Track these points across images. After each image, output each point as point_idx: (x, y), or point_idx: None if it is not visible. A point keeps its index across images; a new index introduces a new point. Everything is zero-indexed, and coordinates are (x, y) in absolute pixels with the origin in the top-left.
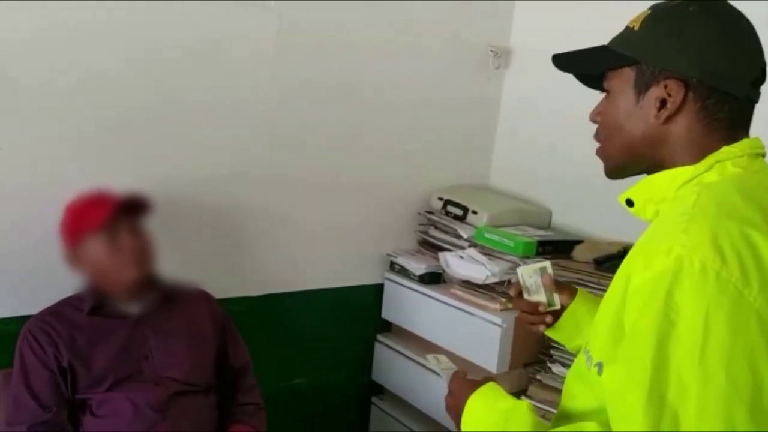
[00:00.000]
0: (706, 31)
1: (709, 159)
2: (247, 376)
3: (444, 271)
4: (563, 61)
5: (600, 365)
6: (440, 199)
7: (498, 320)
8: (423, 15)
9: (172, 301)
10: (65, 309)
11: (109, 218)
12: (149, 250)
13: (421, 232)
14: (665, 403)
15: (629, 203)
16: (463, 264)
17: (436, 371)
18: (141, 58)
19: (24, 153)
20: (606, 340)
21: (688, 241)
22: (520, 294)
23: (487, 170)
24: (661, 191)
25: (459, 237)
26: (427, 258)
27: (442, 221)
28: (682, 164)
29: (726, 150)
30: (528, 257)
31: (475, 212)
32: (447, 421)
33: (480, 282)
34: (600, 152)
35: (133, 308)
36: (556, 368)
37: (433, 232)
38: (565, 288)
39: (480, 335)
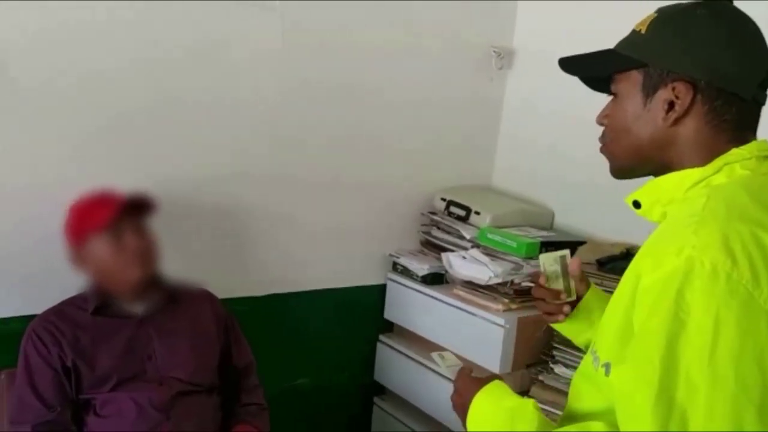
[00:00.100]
0: (714, 33)
1: (718, 161)
2: (250, 376)
3: (447, 271)
4: (570, 65)
5: (607, 366)
6: (443, 199)
7: (501, 321)
8: (426, 16)
9: (176, 301)
10: (69, 309)
11: (114, 218)
12: (153, 250)
13: (423, 232)
14: (674, 403)
15: (636, 204)
16: (466, 265)
17: (441, 370)
18: (143, 58)
19: (27, 153)
20: (614, 341)
21: (698, 242)
22: (540, 284)
23: (489, 171)
24: (669, 193)
25: (462, 238)
26: (430, 258)
27: (444, 222)
28: (690, 166)
29: (735, 152)
30: (531, 258)
31: (477, 213)
32: (449, 421)
33: (483, 283)
34: (606, 152)
35: (137, 308)
36: (559, 369)
37: (435, 232)
38: (582, 279)
39: (482, 336)
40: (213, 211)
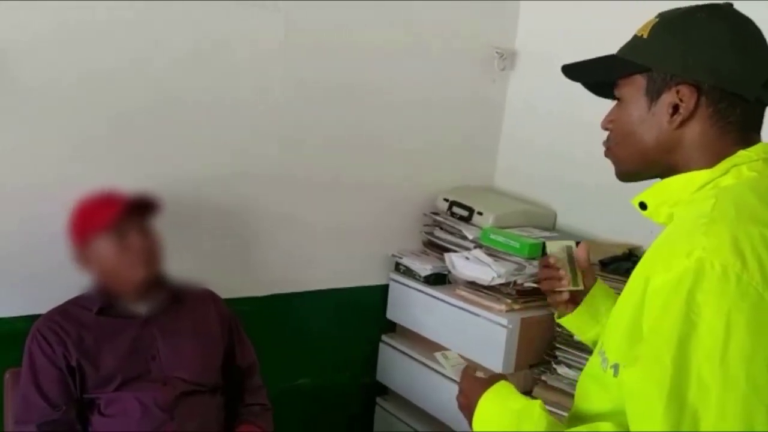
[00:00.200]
0: (716, 35)
1: (725, 163)
2: (253, 376)
3: (449, 272)
4: (573, 71)
5: (616, 366)
6: (446, 200)
7: (503, 321)
8: (430, 17)
9: (179, 301)
10: (74, 309)
11: (118, 218)
12: (157, 250)
13: (426, 233)
14: (686, 404)
15: (642, 206)
16: (468, 265)
17: (445, 370)
18: (145, 58)
19: (29, 153)
20: (622, 342)
21: (708, 244)
22: (548, 265)
23: (491, 171)
24: (676, 194)
25: (464, 238)
26: (433, 259)
27: (447, 222)
28: (696, 168)
29: (742, 154)
30: (534, 258)
31: (480, 213)
32: (451, 421)
33: (486, 283)
34: (611, 156)
35: (141, 308)
36: (561, 369)
37: (438, 233)
38: (589, 270)
39: (485, 336)
40: (216, 211)
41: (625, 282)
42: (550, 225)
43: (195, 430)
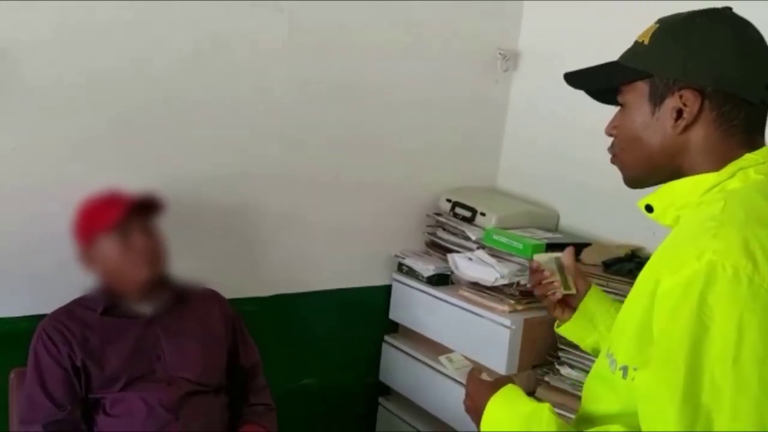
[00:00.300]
0: (717, 39)
1: (732, 166)
2: (257, 376)
3: (452, 272)
4: (575, 79)
5: (625, 369)
6: (448, 200)
7: (507, 322)
8: (433, 18)
9: (184, 301)
10: (78, 309)
11: (122, 218)
12: (161, 250)
13: (429, 233)
14: (699, 405)
15: (648, 209)
16: (471, 266)
17: (450, 373)
18: (148, 58)
19: (35, 152)
20: (632, 344)
21: (719, 246)
22: (534, 270)
23: (494, 172)
24: (683, 197)
25: (467, 239)
26: (435, 259)
27: (450, 223)
28: (703, 172)
29: (748, 157)
30: None
31: (483, 214)
32: (454, 421)
33: (489, 284)
34: (617, 162)
35: (146, 308)
36: (564, 370)
37: (441, 233)
38: (580, 273)
39: (488, 337)
40: (220, 211)
41: (627, 283)
42: (552, 226)
43: (199, 430)
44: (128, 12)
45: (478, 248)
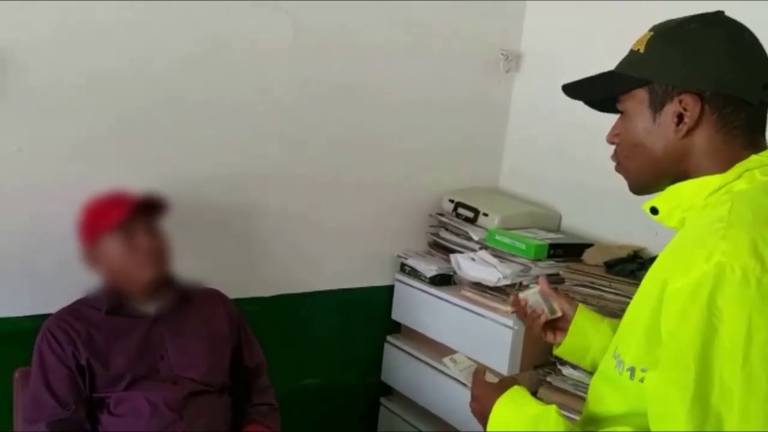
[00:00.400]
0: (712, 42)
1: (738, 168)
2: (261, 376)
3: (455, 272)
4: (573, 90)
5: (632, 369)
6: (451, 201)
7: (509, 322)
8: (437, 19)
9: (188, 301)
10: (83, 308)
11: (126, 218)
12: (165, 250)
13: (431, 233)
14: (709, 406)
15: (653, 211)
16: (474, 266)
17: (454, 374)
18: (153, 58)
19: (36, 153)
20: (640, 345)
21: (727, 247)
22: (516, 303)
23: (496, 173)
24: (689, 199)
25: (470, 239)
26: (438, 260)
27: (452, 223)
28: (708, 174)
29: (754, 159)
30: (540, 260)
31: (486, 214)
32: (455, 421)
33: (492, 284)
34: (622, 170)
35: (150, 308)
36: (566, 370)
37: (443, 233)
38: (563, 295)
39: (491, 337)
40: (221, 211)
41: (629, 283)
42: (555, 226)
43: (203, 430)
44: (129, 12)
45: (480, 248)
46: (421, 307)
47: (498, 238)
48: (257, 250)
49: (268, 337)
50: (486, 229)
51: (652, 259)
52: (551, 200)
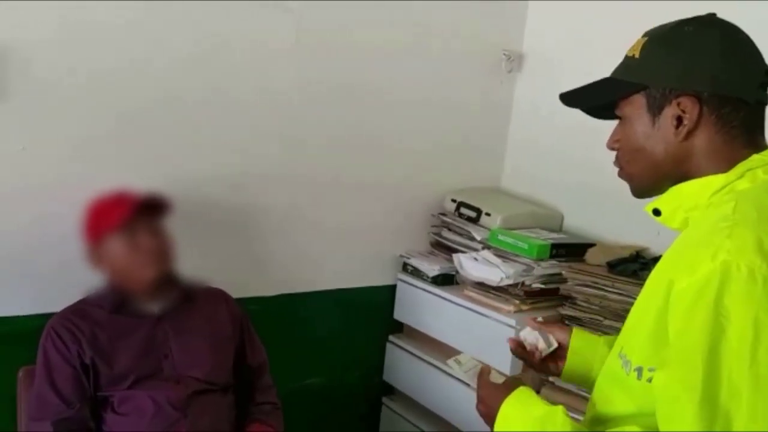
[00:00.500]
0: (707, 44)
1: (740, 167)
2: (264, 375)
3: (457, 272)
4: (571, 98)
5: (639, 369)
6: (453, 200)
7: (512, 322)
8: (440, 19)
9: (191, 300)
10: (87, 307)
11: (129, 218)
12: (168, 249)
13: (434, 233)
14: (718, 405)
15: (656, 212)
16: (477, 266)
17: (459, 375)
18: (153, 58)
19: (36, 153)
20: (646, 345)
21: (733, 246)
22: (514, 345)
23: (498, 173)
24: (692, 199)
25: (472, 239)
26: (440, 259)
27: (455, 223)
28: (709, 174)
29: (756, 158)
30: (542, 260)
31: (488, 214)
32: (458, 421)
33: (494, 284)
34: (624, 175)
35: (154, 307)
36: None
37: (446, 233)
38: (554, 325)
39: (493, 337)
40: (222, 211)
41: (631, 283)
42: (557, 226)
43: (207, 429)
44: (130, 12)
45: (483, 248)
46: (423, 307)
47: (501, 237)
48: (259, 250)
49: (270, 337)
50: (488, 229)
51: (655, 259)
52: (553, 200)
